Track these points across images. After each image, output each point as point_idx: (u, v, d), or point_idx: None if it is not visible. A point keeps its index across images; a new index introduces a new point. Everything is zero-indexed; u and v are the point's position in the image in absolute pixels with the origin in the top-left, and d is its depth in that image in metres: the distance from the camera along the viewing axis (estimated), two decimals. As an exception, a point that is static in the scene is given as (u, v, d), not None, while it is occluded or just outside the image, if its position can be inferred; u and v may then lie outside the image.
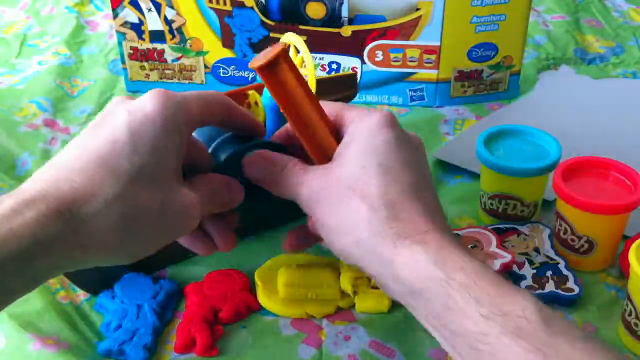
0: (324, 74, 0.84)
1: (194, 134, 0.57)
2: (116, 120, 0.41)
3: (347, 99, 0.71)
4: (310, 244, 0.51)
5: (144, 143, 0.41)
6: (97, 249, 0.40)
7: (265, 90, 0.58)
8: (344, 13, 0.80)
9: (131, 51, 0.86)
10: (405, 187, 0.44)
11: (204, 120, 0.46)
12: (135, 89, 0.88)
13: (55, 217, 0.37)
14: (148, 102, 0.42)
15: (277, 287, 0.57)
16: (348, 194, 0.44)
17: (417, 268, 0.40)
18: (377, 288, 0.57)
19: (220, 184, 0.47)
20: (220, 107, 0.46)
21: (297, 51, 0.58)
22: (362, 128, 0.46)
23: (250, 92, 0.61)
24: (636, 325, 0.53)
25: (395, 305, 0.57)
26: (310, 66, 0.56)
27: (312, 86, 0.57)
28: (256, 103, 0.61)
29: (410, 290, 0.41)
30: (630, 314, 0.54)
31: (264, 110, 0.60)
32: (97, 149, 0.40)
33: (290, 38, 0.57)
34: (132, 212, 0.40)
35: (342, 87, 0.69)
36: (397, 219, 0.43)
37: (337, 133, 0.47)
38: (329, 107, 0.48)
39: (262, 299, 0.57)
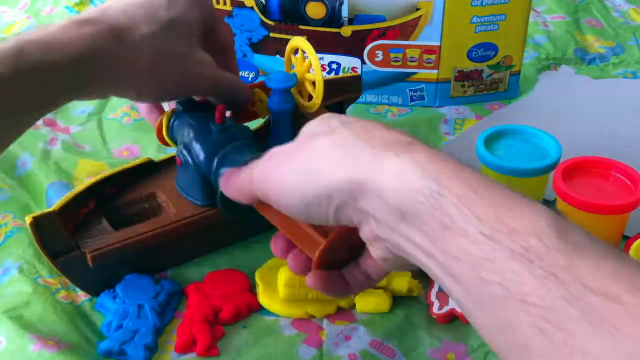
0: (325, 75, 0.84)
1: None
2: None
3: (351, 100, 0.71)
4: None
5: (177, 5, 0.52)
6: (132, 74, 0.49)
7: (272, 93, 0.58)
8: (344, 13, 0.80)
9: (131, 51, 0.86)
10: (366, 122, 0.39)
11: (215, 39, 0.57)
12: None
13: (105, 35, 0.47)
14: None
15: (277, 287, 0.57)
16: (303, 143, 0.39)
17: (403, 181, 0.34)
18: (378, 288, 0.57)
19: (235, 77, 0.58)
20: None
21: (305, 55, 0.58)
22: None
23: (256, 89, 0.61)
24: (636, 325, 0.53)
25: (395, 305, 0.57)
26: (318, 70, 0.56)
27: (320, 90, 0.57)
28: (261, 101, 0.61)
29: (400, 213, 0.34)
30: (630, 314, 0.54)
31: (270, 111, 0.60)
32: (140, 2, 0.51)
33: (298, 42, 0.57)
34: (162, 49, 0.50)
35: (346, 89, 0.69)
36: (369, 137, 0.37)
37: None
38: None
39: (263, 299, 0.57)
